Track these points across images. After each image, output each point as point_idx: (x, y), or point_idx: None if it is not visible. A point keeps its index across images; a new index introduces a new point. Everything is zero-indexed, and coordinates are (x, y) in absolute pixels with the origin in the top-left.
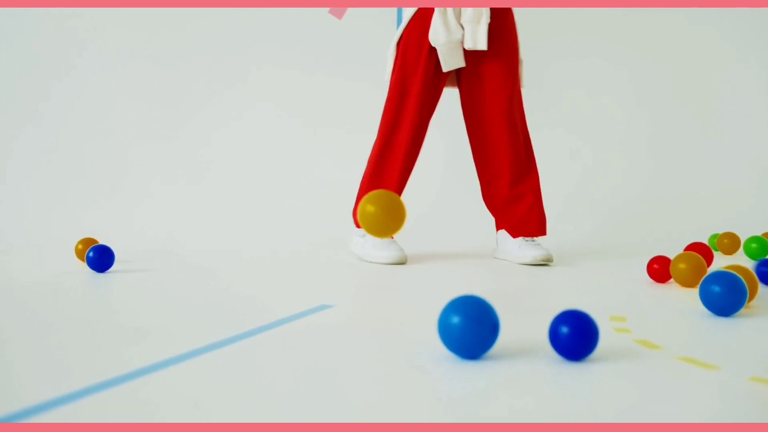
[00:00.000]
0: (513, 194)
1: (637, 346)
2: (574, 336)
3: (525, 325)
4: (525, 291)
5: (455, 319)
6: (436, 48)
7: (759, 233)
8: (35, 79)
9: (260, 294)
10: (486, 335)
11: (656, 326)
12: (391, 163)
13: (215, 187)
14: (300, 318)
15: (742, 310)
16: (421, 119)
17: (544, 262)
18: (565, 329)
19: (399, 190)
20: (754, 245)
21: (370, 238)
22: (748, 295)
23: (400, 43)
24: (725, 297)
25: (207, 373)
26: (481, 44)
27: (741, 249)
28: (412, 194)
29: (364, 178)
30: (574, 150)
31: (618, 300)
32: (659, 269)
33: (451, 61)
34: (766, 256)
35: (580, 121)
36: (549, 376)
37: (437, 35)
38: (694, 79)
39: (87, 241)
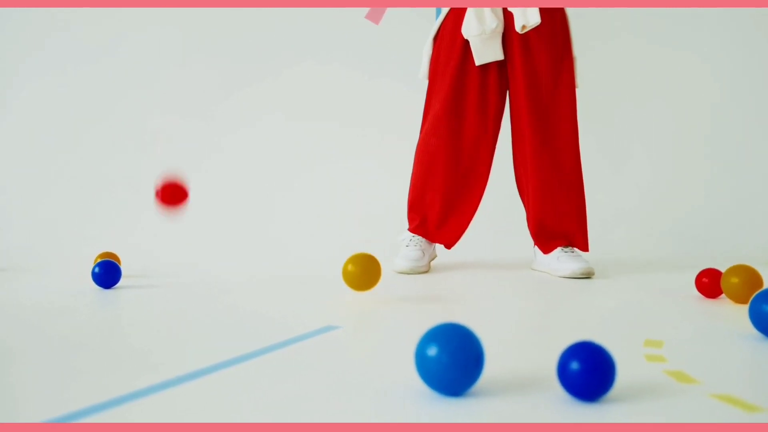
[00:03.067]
0: (545, 206)
1: (669, 380)
2: (585, 373)
3: (541, 351)
4: (556, 309)
5: (430, 352)
6: (469, 41)
7: None
8: (39, 80)
9: (269, 313)
10: (466, 369)
11: (697, 353)
12: (433, 173)
13: (228, 197)
14: (303, 340)
15: None
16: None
17: (584, 276)
18: (575, 365)
19: (448, 200)
20: None
21: (403, 245)
22: None
23: (436, 39)
24: None
25: (200, 396)
26: (533, 18)
27: None
28: None
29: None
30: (620, 155)
31: (659, 319)
32: (709, 283)
33: (484, 53)
34: None
35: (627, 125)
36: (548, 417)
37: (469, 27)
38: (743, 82)
39: (105, 256)
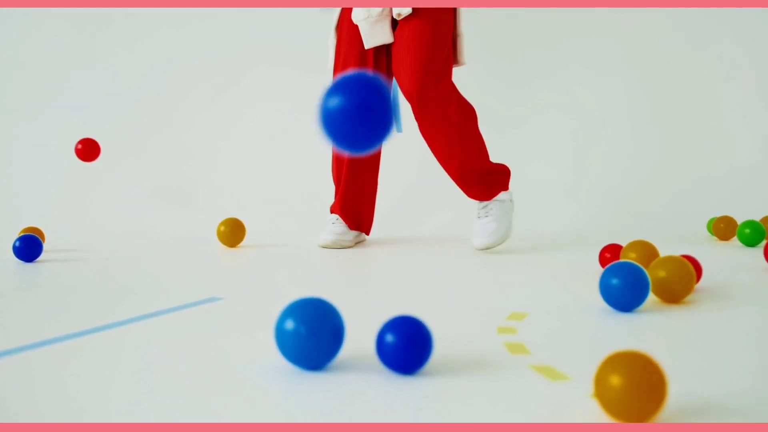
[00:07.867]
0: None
1: (503, 352)
2: (399, 347)
3: None
4: (452, 283)
5: (288, 326)
6: (358, 26)
7: (759, 218)
8: (30, 78)
9: (163, 281)
10: (323, 342)
11: (547, 326)
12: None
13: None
14: (180, 310)
15: (664, 305)
16: None
17: (486, 248)
18: (389, 338)
19: (356, 177)
20: (747, 230)
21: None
22: (649, 289)
23: (337, 29)
24: (624, 291)
25: (65, 359)
26: (405, 8)
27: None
28: (390, 178)
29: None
30: (574, 132)
31: (543, 294)
32: (611, 259)
33: (373, 37)
34: (759, 241)
35: (577, 105)
36: (379, 391)
37: (357, 12)
38: (696, 61)
39: (28, 231)
